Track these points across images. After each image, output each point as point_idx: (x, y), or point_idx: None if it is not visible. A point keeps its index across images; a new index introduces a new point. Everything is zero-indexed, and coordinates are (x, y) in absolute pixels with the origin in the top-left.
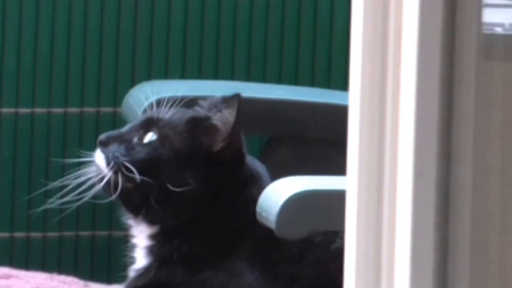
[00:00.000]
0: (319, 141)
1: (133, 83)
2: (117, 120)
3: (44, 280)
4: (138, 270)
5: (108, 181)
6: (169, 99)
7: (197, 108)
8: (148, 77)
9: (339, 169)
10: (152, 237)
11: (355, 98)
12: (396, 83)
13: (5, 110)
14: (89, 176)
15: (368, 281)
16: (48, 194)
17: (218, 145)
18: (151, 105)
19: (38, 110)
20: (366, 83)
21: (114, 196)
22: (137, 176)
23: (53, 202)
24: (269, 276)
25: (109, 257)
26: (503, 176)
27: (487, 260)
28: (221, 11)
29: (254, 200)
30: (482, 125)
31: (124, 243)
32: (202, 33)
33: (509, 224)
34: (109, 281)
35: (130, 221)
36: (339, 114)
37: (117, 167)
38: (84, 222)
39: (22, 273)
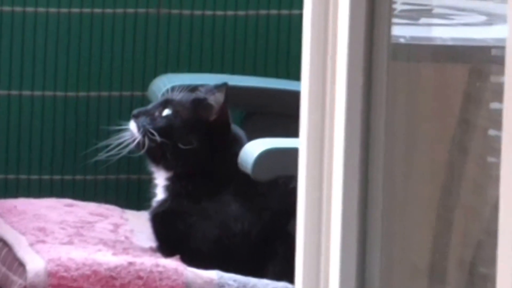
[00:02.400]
0: (280, 114)
1: (155, 75)
2: (144, 101)
3: (95, 208)
4: (158, 202)
5: (138, 142)
6: (179, 86)
7: (198, 92)
8: (165, 71)
9: (294, 133)
10: (168, 179)
11: (305, 86)
12: (333, 76)
13: (71, 93)
14: (126, 138)
15: (314, 203)
16: (98, 149)
17: (213, 117)
18: (167, 90)
19: (92, 93)
20: (313, 77)
21: (142, 152)
22: (158, 138)
23: (102, 155)
24: (247, 206)
25: (139, 192)
26: (405, 138)
27: (395, 188)
28: (215, 27)
29: (237, 154)
30: (391, 103)
31: (149, 183)
32: (202, 42)
33: (407, 168)
34: (138, 209)
35: (153, 168)
36: (295, 96)
37: (144, 132)
38: (122, 168)
39: (80, 203)
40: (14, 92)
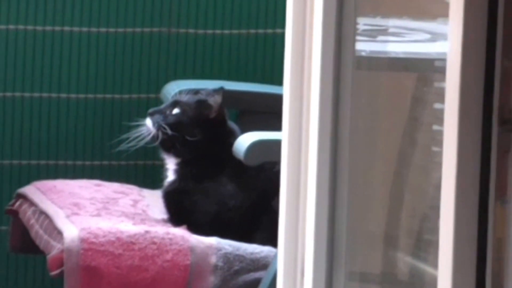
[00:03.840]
0: (267, 113)
1: (166, 81)
2: (158, 102)
3: (118, 187)
4: (169, 182)
5: (153, 135)
6: (186, 90)
7: (200, 95)
8: (175, 78)
9: (278, 128)
10: (177, 164)
11: (286, 90)
12: (308, 82)
13: (99, 95)
14: (143, 132)
15: (294, 183)
16: (121, 141)
17: (212, 115)
18: (176, 93)
19: (116, 96)
20: (292, 82)
21: (156, 143)
22: (169, 132)
23: (124, 145)
24: (240, 186)
25: (153, 175)
26: (366, 131)
27: (358, 171)
28: (214, 42)
29: (232, 145)
30: (355, 104)
31: (161, 168)
32: (204, 54)
33: (368, 155)
34: (153, 188)
35: (165, 156)
36: (278, 98)
37: (158, 127)
38: (140, 156)
39: (106, 183)
40: (53, 95)
